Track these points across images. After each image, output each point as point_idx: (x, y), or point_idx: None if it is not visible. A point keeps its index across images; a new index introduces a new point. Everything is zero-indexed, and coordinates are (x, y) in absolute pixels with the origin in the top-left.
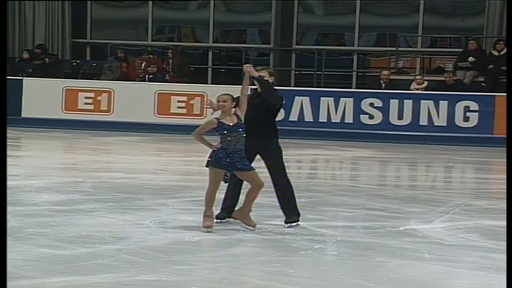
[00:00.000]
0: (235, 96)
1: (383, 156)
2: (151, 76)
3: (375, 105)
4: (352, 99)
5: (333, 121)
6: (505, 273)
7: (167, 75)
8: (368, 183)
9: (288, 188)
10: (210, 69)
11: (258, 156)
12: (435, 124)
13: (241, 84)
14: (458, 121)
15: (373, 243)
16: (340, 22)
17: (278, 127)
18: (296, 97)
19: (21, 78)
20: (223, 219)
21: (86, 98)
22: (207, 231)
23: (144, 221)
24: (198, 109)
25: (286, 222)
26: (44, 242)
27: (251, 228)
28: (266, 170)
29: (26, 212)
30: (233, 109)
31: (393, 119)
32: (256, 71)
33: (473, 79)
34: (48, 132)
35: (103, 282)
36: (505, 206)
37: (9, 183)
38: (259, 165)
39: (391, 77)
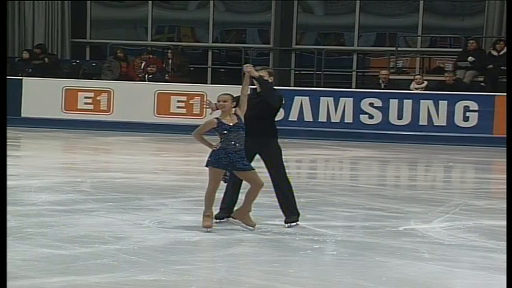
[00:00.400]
0: (235, 96)
1: (383, 156)
2: (151, 76)
3: (375, 105)
4: (351, 99)
5: (332, 121)
6: (505, 273)
7: (167, 75)
8: (368, 183)
9: (287, 187)
10: (209, 69)
11: (257, 156)
12: (435, 124)
13: (241, 84)
14: (458, 121)
15: (373, 243)
16: (339, 22)
17: (278, 127)
18: (296, 97)
19: (20, 78)
20: (222, 219)
21: (86, 97)
22: (207, 231)
23: (143, 220)
24: (198, 109)
25: (286, 222)
26: (43, 241)
27: (251, 228)
28: (266, 170)
29: (26, 211)
30: (233, 109)
31: (393, 118)
32: (256, 70)
33: (473, 79)
34: (48, 132)
35: (102, 282)
36: (505, 205)
37: (8, 183)
38: (258, 165)
39: (391, 77)
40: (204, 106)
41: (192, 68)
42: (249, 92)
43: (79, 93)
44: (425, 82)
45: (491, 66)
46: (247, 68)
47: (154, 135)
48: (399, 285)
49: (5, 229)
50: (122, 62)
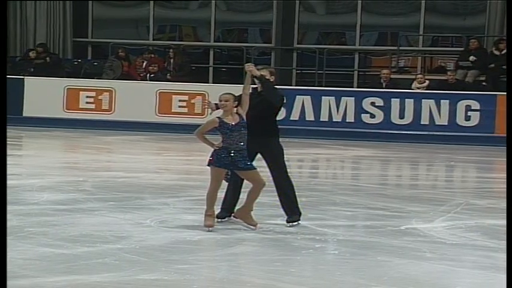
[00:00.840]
0: (236, 95)
1: (384, 156)
2: (152, 75)
3: (376, 104)
4: (353, 98)
5: (334, 120)
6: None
7: (168, 74)
8: (369, 182)
9: (289, 187)
10: (211, 69)
11: (259, 156)
12: (436, 123)
13: (242, 84)
14: (460, 120)
15: (374, 243)
16: (341, 21)
17: (279, 126)
18: (297, 96)
19: (22, 77)
20: (224, 218)
21: (87, 97)
22: (208, 231)
23: (145, 220)
24: (199, 108)
25: (287, 221)
26: (44, 241)
27: (252, 227)
28: (267, 169)
29: (27, 211)
30: (235, 108)
31: (394, 118)
32: (258, 70)
33: (475, 78)
34: (50, 132)
35: (104, 282)
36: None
37: (10, 182)
38: (260, 164)
39: (393, 76)
40: (205, 106)
41: (193, 68)
42: (250, 91)
43: (81, 92)
44: (427, 81)
45: (492, 65)
46: (249, 67)
47: (156, 135)
48: (401, 284)
49: (5, 228)
50: (124, 62)
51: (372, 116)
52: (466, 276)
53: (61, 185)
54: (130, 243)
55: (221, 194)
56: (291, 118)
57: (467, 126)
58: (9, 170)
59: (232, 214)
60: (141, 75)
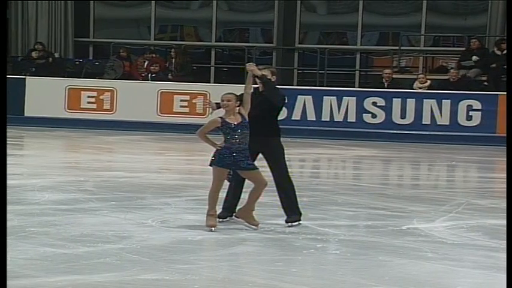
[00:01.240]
0: (238, 95)
1: (386, 155)
2: (154, 75)
3: (378, 104)
4: (355, 98)
5: (335, 120)
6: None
7: (170, 74)
8: (371, 182)
9: (289, 187)
10: (212, 68)
11: (260, 155)
12: (438, 123)
13: (243, 83)
14: (461, 120)
15: (376, 242)
16: (342, 21)
17: (280, 126)
18: (299, 96)
19: (24, 77)
20: (225, 218)
21: (89, 97)
22: (210, 230)
23: (146, 220)
24: (201, 108)
25: (287, 222)
26: (46, 241)
27: (254, 227)
28: (268, 169)
29: (28, 210)
30: (237, 108)
31: (396, 118)
32: (259, 70)
33: (475, 76)
34: (51, 131)
35: (105, 281)
36: None
37: (11, 182)
38: (261, 164)
39: (394, 76)
40: (205, 106)
41: (195, 67)
42: (252, 91)
43: (82, 92)
44: (429, 81)
45: (494, 65)
46: (250, 66)
47: (157, 135)
48: (402, 284)
49: (5, 228)
50: (125, 61)
51: (374, 115)
52: (467, 276)
53: (62, 185)
54: (131, 243)
55: (223, 194)
56: (293, 118)
57: (469, 126)
58: (11, 169)
59: (234, 214)
60: (143, 75)
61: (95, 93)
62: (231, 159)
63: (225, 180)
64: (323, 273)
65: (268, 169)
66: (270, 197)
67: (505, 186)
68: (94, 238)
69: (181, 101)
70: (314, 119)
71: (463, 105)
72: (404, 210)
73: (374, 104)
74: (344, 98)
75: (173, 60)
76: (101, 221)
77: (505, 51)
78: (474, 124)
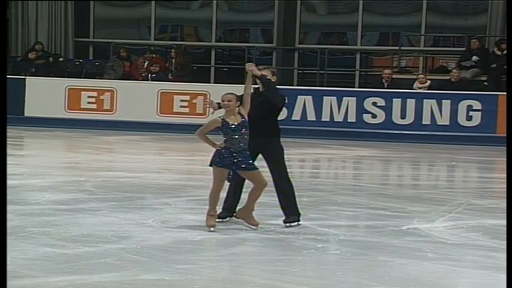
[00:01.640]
0: (238, 95)
1: (386, 156)
2: (154, 75)
3: (378, 104)
4: (354, 98)
5: (335, 120)
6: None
7: (170, 74)
8: (371, 182)
9: (288, 187)
10: (212, 68)
11: (260, 156)
12: (438, 123)
13: (243, 84)
14: (461, 120)
15: (376, 243)
16: (342, 21)
17: (280, 126)
18: (299, 96)
19: (24, 77)
20: (225, 218)
21: (89, 97)
22: (210, 231)
23: (146, 220)
24: (201, 108)
25: (285, 222)
26: (46, 241)
27: (254, 227)
28: (268, 169)
29: (29, 211)
30: (237, 108)
31: (396, 118)
32: (259, 70)
33: (472, 77)
34: (51, 132)
35: (105, 281)
36: None
37: (11, 182)
38: (261, 164)
39: (394, 76)
40: (206, 106)
41: (195, 68)
42: (252, 91)
43: (82, 92)
44: (429, 81)
45: (494, 65)
46: (250, 66)
47: (158, 135)
48: (402, 284)
49: (5, 228)
50: (125, 62)
51: (374, 116)
52: (467, 276)
53: (62, 185)
54: (131, 243)
55: (223, 194)
56: (293, 118)
57: (469, 126)
58: (11, 170)
59: (234, 214)
60: (143, 75)
61: (95, 94)
62: (232, 159)
63: (225, 180)
64: (323, 273)
65: (267, 169)
66: (269, 197)
67: (505, 186)
68: (94, 238)
69: (181, 101)
70: (314, 119)
71: (463, 105)
72: (404, 210)
73: (374, 104)
74: (344, 98)
75: (173, 60)
76: (101, 221)
77: (505, 52)
78: (474, 124)
